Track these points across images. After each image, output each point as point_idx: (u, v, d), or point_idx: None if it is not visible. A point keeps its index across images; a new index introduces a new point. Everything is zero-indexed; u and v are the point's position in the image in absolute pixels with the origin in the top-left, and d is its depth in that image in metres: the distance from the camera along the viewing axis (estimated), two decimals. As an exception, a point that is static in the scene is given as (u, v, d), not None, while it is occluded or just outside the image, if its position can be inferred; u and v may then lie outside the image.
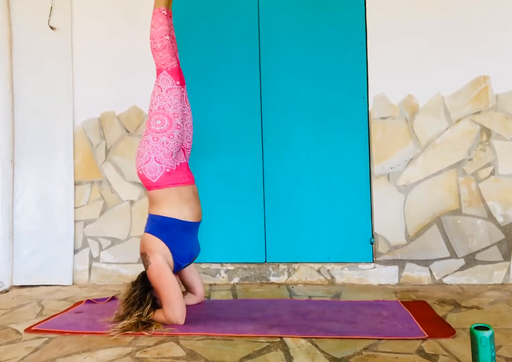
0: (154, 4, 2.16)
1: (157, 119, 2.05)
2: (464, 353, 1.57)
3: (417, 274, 2.60)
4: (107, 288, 2.70)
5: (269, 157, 2.76)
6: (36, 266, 2.81)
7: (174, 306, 1.91)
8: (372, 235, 2.67)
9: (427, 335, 1.74)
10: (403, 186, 2.63)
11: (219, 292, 2.55)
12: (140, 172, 2.05)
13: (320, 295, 2.42)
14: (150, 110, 2.10)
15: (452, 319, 1.96)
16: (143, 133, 2.13)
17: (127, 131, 2.84)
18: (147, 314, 1.90)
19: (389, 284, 2.61)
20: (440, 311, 2.07)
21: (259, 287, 2.63)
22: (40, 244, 2.83)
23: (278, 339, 1.76)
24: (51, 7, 2.84)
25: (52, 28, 2.83)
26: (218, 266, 2.75)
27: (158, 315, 1.93)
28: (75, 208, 2.86)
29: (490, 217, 2.56)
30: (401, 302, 2.23)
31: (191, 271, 2.27)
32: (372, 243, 2.67)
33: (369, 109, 2.67)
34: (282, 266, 2.71)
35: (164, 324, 1.91)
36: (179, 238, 2.03)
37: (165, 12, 2.12)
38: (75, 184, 2.87)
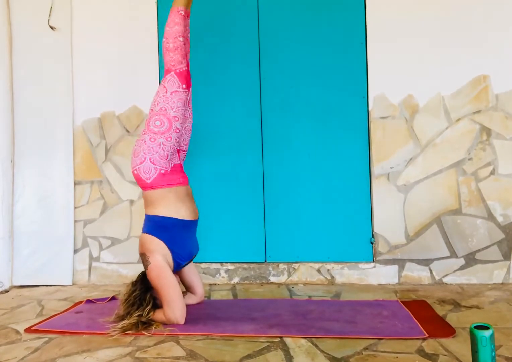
0: (173, 2, 2.12)
1: (157, 120, 2.04)
2: (464, 353, 1.57)
3: (417, 274, 2.60)
4: (107, 288, 2.70)
5: (269, 157, 2.76)
6: (36, 266, 2.81)
7: (174, 306, 1.91)
8: (372, 234, 2.67)
9: (427, 335, 1.74)
10: (403, 186, 2.63)
11: (219, 292, 2.55)
12: (135, 172, 2.06)
13: (320, 295, 2.42)
14: (152, 109, 2.08)
15: (452, 318, 1.96)
16: (141, 132, 2.12)
17: (127, 131, 2.84)
18: (147, 314, 1.90)
19: (389, 284, 2.61)
20: (440, 310, 2.07)
21: (259, 287, 2.63)
22: (40, 244, 2.83)
23: (278, 339, 1.76)
24: (51, 7, 2.84)
25: (52, 28, 2.83)
26: (218, 266, 2.75)
27: (158, 315, 1.94)
28: (75, 208, 2.86)
29: (490, 216, 2.56)
30: (401, 301, 2.23)
31: (191, 271, 2.27)
32: (372, 243, 2.67)
33: (369, 109, 2.67)
34: (282, 266, 2.71)
35: (164, 324, 1.91)
36: (178, 237, 2.03)
37: (182, 12, 2.09)
38: (75, 184, 2.87)
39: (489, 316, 1.98)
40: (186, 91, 2.09)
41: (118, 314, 1.96)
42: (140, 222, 2.73)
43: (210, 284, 2.70)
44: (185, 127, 2.23)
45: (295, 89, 2.73)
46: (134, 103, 2.83)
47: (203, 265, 2.75)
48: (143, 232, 2.04)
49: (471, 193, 2.58)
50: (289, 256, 2.73)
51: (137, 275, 2.07)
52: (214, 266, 2.75)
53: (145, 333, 1.84)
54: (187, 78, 2.10)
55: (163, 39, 2.10)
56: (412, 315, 2.00)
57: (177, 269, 2.07)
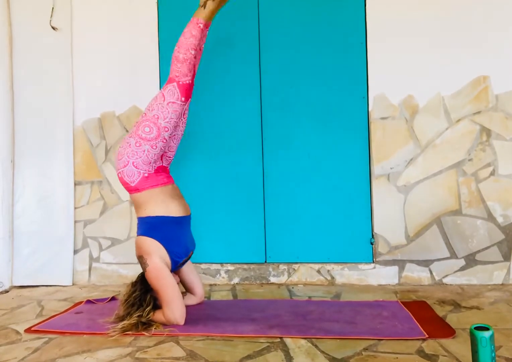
0: (195, 12, 2.05)
1: (146, 126, 2.00)
2: (464, 354, 1.57)
3: (417, 274, 2.60)
4: (107, 289, 2.70)
5: (269, 157, 2.76)
6: (36, 266, 2.81)
7: (174, 307, 1.91)
8: (372, 235, 2.67)
9: (427, 336, 1.74)
10: (403, 186, 2.63)
11: (219, 292, 2.55)
12: (119, 175, 2.05)
13: (320, 296, 2.42)
14: (145, 113, 2.04)
15: (452, 319, 1.96)
16: (129, 133, 2.09)
17: (127, 131, 2.84)
18: (147, 314, 1.90)
19: (389, 285, 2.61)
20: (440, 311, 2.07)
21: (259, 288, 2.63)
22: (40, 244, 2.83)
23: (278, 340, 1.76)
24: (53, 8, 2.83)
25: (53, 28, 2.83)
26: (218, 266, 2.75)
27: (158, 315, 1.94)
28: (75, 208, 2.86)
29: (490, 217, 2.56)
30: (401, 302, 2.23)
31: (190, 272, 2.27)
32: (372, 243, 2.67)
33: (369, 109, 2.67)
34: (282, 267, 2.71)
35: (164, 325, 1.91)
36: (172, 234, 2.02)
37: (201, 25, 2.03)
38: (75, 184, 2.87)
39: (489, 317, 1.98)
40: (183, 104, 2.05)
41: (118, 315, 1.96)
42: (140, 222, 2.73)
43: (210, 285, 2.70)
44: (174, 135, 2.18)
45: (295, 89, 2.73)
46: (134, 103, 2.82)
47: (203, 266, 2.75)
48: (138, 235, 2.05)
49: (471, 194, 2.58)
50: (289, 257, 2.73)
51: (137, 275, 2.07)
52: (214, 266, 2.75)
53: (145, 333, 1.84)
54: (188, 91, 2.06)
55: (175, 48, 2.04)
56: (412, 315, 2.00)
57: (175, 266, 2.07)
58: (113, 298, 2.42)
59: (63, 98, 2.85)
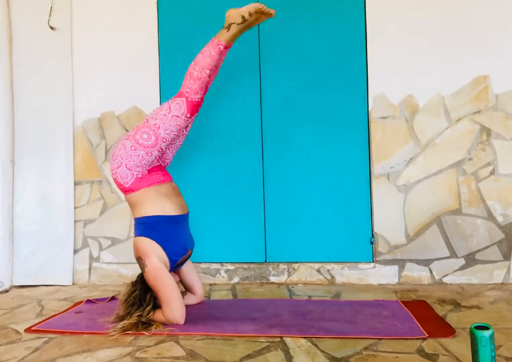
0: (218, 33, 2.02)
1: (145, 132, 1.99)
2: (464, 353, 1.57)
3: (417, 274, 2.60)
4: (107, 288, 2.70)
5: (269, 157, 2.76)
6: (36, 266, 2.81)
7: (173, 306, 1.91)
8: (372, 234, 2.67)
9: (427, 335, 1.74)
10: (403, 186, 2.63)
11: (219, 292, 2.55)
12: (113, 176, 2.04)
13: (320, 295, 2.42)
14: (148, 120, 2.03)
15: (452, 318, 1.96)
16: (127, 133, 2.07)
17: (127, 130, 2.83)
18: (147, 314, 1.90)
19: (389, 284, 2.61)
20: (440, 310, 2.07)
21: (259, 287, 2.63)
22: (40, 244, 2.83)
23: (278, 339, 1.76)
24: (51, 7, 2.84)
25: (52, 28, 2.83)
26: (218, 266, 2.75)
27: (158, 315, 1.94)
28: (75, 208, 2.86)
29: (490, 216, 2.56)
30: (401, 301, 2.23)
31: (190, 271, 2.27)
32: (372, 243, 2.67)
33: (369, 108, 2.67)
34: (282, 266, 2.71)
35: (164, 324, 1.91)
36: (169, 233, 2.02)
37: (222, 47, 2.00)
38: (75, 184, 2.87)
39: (489, 316, 1.98)
40: (187, 120, 2.04)
41: (118, 314, 1.96)
42: (140, 222, 2.73)
43: (210, 284, 2.70)
44: (172, 145, 2.18)
45: (295, 89, 2.73)
46: (134, 103, 2.83)
47: (203, 265, 2.75)
48: (135, 236, 2.04)
49: (471, 193, 2.58)
50: (289, 256, 2.73)
51: (137, 275, 2.07)
52: (214, 266, 2.75)
53: (145, 333, 1.84)
54: (195, 108, 2.04)
55: (192, 63, 2.00)
56: (412, 315, 2.00)
57: (174, 266, 2.07)
58: (113, 298, 2.42)
59: (63, 98, 2.85)
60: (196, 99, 2.02)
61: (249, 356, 1.62)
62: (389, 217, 2.64)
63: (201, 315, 2.07)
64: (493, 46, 2.58)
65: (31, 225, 2.84)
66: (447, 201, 2.60)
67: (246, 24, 2.03)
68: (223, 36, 2.01)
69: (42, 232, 2.83)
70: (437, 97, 2.61)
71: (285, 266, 2.70)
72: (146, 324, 1.88)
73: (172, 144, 2.17)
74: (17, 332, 1.96)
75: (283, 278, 2.70)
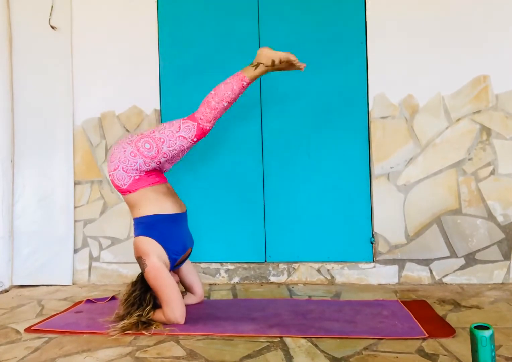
0: (244, 68, 1.99)
1: (148, 143, 1.99)
2: (464, 353, 1.57)
3: (417, 274, 2.60)
4: (107, 288, 2.70)
5: (269, 157, 2.76)
6: (36, 266, 2.81)
7: (173, 306, 1.91)
8: (372, 234, 2.67)
9: (427, 335, 1.74)
10: (403, 186, 2.63)
11: (219, 291, 2.55)
12: (111, 177, 2.04)
13: (320, 295, 2.42)
14: (154, 131, 2.02)
15: (452, 318, 1.96)
16: (130, 138, 2.05)
17: (127, 130, 2.84)
18: (147, 314, 1.90)
19: (389, 284, 2.61)
20: (440, 310, 2.07)
21: (259, 287, 2.63)
22: (40, 244, 2.83)
23: (278, 339, 1.76)
24: (52, 7, 2.84)
25: (52, 27, 2.83)
26: (218, 265, 2.75)
27: (158, 315, 1.94)
28: (75, 208, 2.86)
29: (490, 216, 2.56)
30: (401, 301, 2.23)
31: (190, 271, 2.27)
32: (372, 243, 2.67)
33: (369, 108, 2.67)
34: (282, 266, 2.71)
35: (164, 324, 1.91)
36: (168, 232, 2.02)
37: (245, 83, 1.97)
38: (75, 184, 2.87)
39: (489, 316, 1.98)
40: (193, 143, 2.04)
41: (118, 314, 1.97)
42: (140, 222, 2.73)
43: (210, 284, 2.70)
44: (170, 161, 2.21)
45: (295, 89, 2.73)
46: (134, 103, 2.83)
47: (203, 265, 2.75)
48: (135, 236, 2.04)
49: (471, 193, 2.58)
50: (289, 256, 2.73)
51: (137, 275, 2.07)
52: (214, 266, 2.75)
53: (145, 333, 1.84)
54: (204, 135, 2.04)
55: (212, 91, 1.98)
56: (412, 315, 2.00)
57: (174, 265, 2.07)
58: (113, 298, 2.42)
59: (63, 98, 2.85)
60: (207, 127, 2.02)
61: (249, 356, 1.62)
62: (389, 217, 2.64)
63: (201, 315, 2.07)
64: (493, 46, 2.58)
65: (31, 225, 2.84)
66: (447, 201, 2.60)
67: (273, 69, 2.02)
68: (249, 73, 1.98)
69: (42, 232, 2.83)
70: (437, 97, 2.61)
71: (285, 266, 2.70)
72: (146, 324, 1.88)
73: (168, 160, 2.17)
74: (17, 332, 1.96)
75: (283, 278, 2.70)
